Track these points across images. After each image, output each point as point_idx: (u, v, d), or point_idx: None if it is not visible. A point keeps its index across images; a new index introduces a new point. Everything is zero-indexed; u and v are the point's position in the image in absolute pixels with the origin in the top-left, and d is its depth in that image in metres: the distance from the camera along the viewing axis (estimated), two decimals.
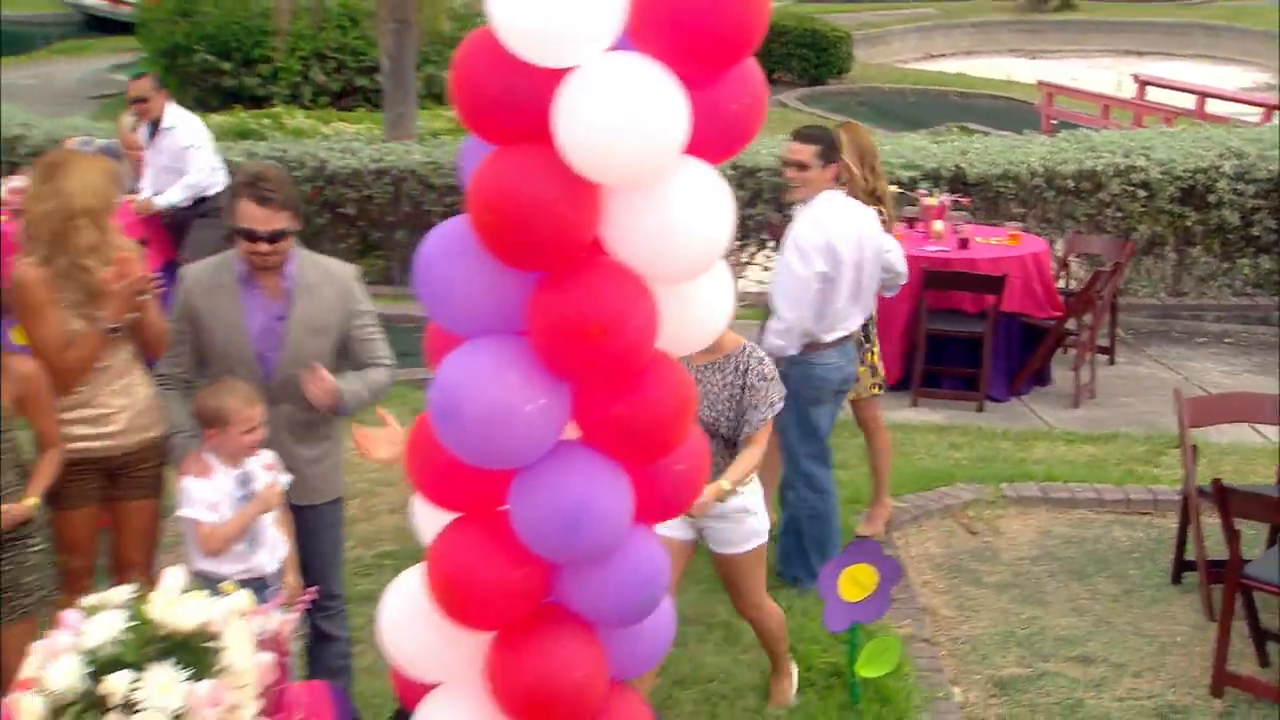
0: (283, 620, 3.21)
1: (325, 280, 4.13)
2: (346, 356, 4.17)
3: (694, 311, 2.58)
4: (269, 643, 3.13)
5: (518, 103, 2.28)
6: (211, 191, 8.11)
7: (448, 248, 2.47)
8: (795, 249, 5.19)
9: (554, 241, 2.33)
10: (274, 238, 4.00)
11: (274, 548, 4.02)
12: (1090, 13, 30.50)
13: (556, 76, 2.27)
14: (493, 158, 2.34)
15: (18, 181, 8.14)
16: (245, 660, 3.01)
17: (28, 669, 2.96)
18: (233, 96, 16.40)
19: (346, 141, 10.94)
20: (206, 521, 3.90)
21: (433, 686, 2.99)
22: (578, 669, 2.78)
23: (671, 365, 2.62)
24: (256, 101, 16.24)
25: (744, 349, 4.28)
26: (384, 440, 3.75)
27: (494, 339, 2.50)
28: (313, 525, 4.23)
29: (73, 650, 2.93)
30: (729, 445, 4.30)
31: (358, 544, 5.73)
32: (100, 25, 23.82)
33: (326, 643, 4.33)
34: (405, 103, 11.52)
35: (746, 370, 4.24)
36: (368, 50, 16.59)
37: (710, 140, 2.36)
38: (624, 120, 2.21)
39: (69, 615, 3.01)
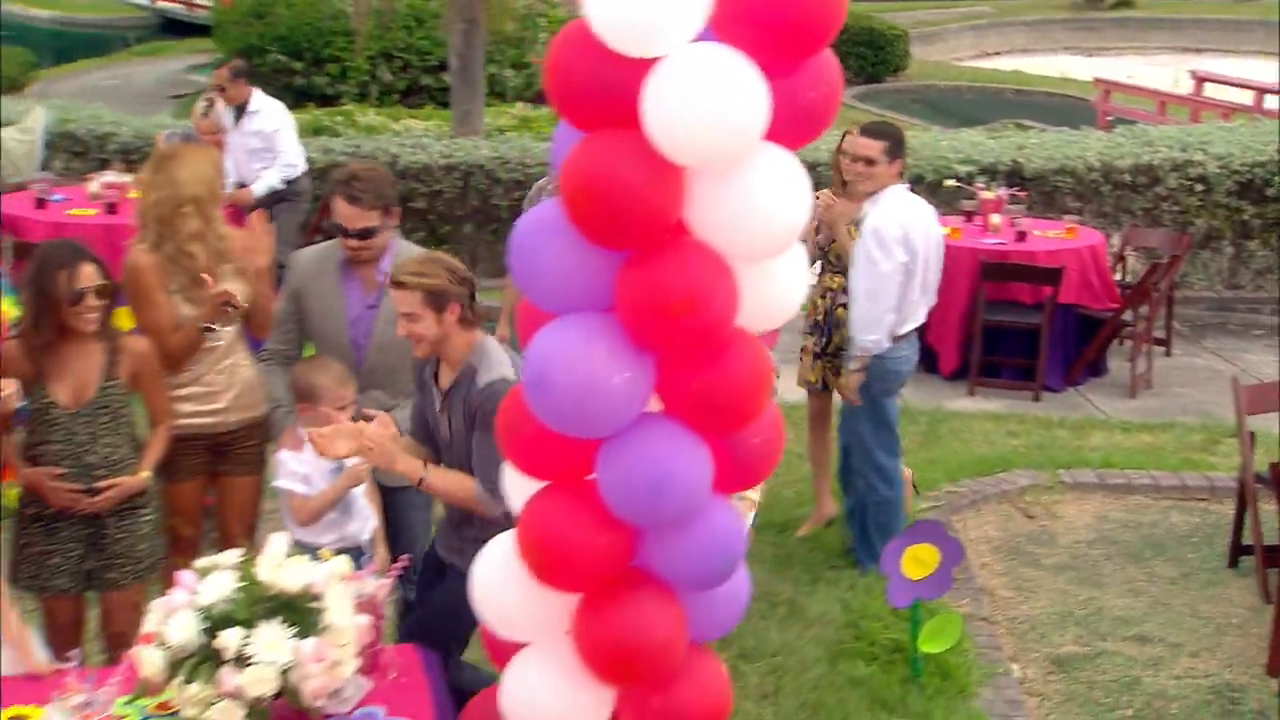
0: (377, 585, 3.37)
1: None
2: None
3: (772, 289, 2.69)
4: (365, 606, 3.28)
5: (608, 90, 2.40)
6: (292, 176, 8.32)
7: (540, 229, 2.60)
8: (876, 243, 5.20)
9: (641, 222, 2.44)
10: (362, 234, 4.17)
11: (365, 519, 4.18)
12: (1148, 10, 30.17)
13: (645, 66, 2.38)
14: (584, 143, 2.46)
15: (110, 176, 8.44)
16: (345, 620, 3.16)
17: (148, 625, 3.12)
18: (303, 95, 16.68)
19: (416, 137, 11.13)
20: (298, 493, 4.07)
21: (521, 645, 3.13)
22: (659, 629, 2.89)
23: (750, 341, 2.72)
24: (326, 100, 16.51)
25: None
26: (341, 435, 3.75)
27: (583, 315, 2.62)
28: (402, 506, 4.39)
29: (189, 608, 3.09)
30: None
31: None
32: (176, 28, 24.27)
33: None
34: (472, 100, 11.69)
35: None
36: (433, 50, 16.81)
37: (788, 127, 2.46)
38: (708, 107, 2.32)
39: (184, 576, 3.17)
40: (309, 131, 12.13)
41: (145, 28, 25.17)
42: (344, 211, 4.16)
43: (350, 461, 4.11)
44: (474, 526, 3.75)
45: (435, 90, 16.77)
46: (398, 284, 3.66)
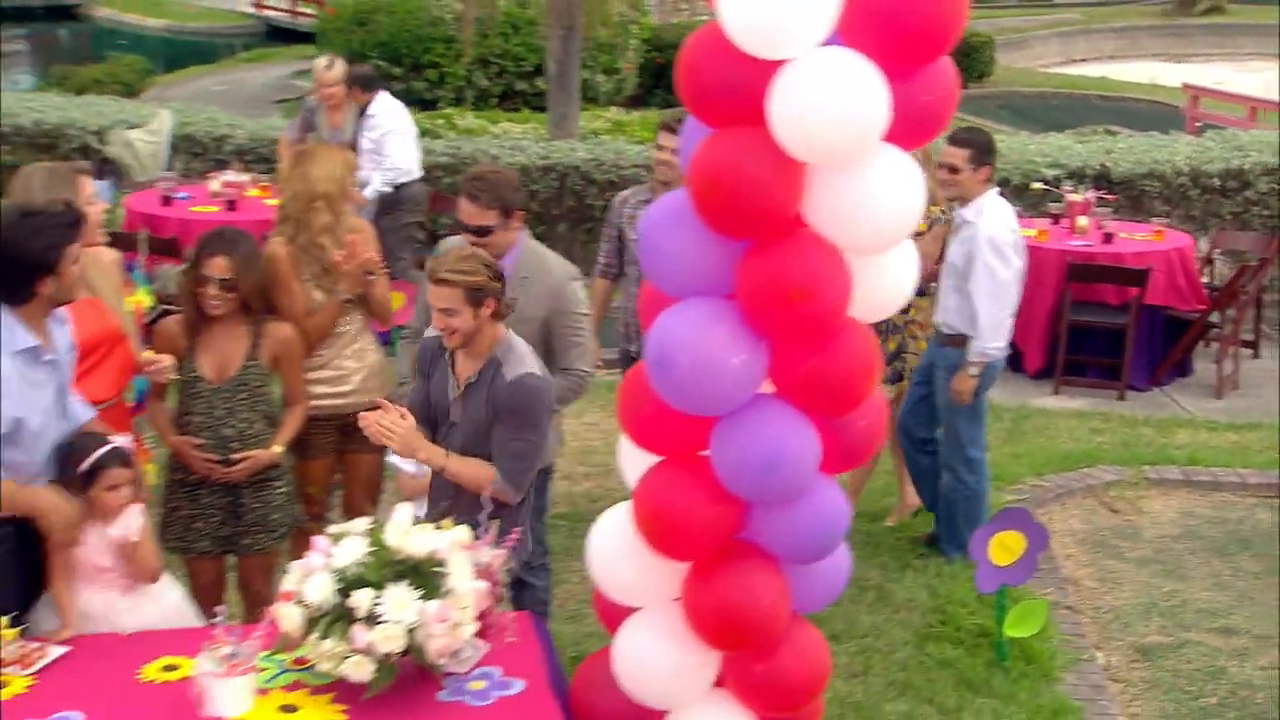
0: (493, 555, 3.55)
1: (539, 275, 4.39)
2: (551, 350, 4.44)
3: (883, 281, 2.82)
4: (483, 573, 3.46)
5: (737, 90, 2.56)
6: (403, 180, 8.52)
7: (667, 219, 2.76)
8: (993, 251, 5.26)
9: (763, 213, 2.60)
10: (480, 232, 4.33)
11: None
12: (1238, 16, 29.55)
13: (772, 67, 2.53)
14: (712, 138, 2.62)
15: (230, 175, 8.77)
16: (466, 585, 3.34)
17: (287, 584, 3.34)
18: (402, 100, 16.98)
19: (514, 140, 11.36)
20: (407, 471, 4.25)
21: (633, 610, 3.29)
22: (764, 598, 3.04)
23: (860, 330, 2.86)
24: (424, 105, 16.82)
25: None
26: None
27: (704, 300, 2.78)
28: None
29: (325, 570, 3.30)
30: None
31: None
32: (281, 35, 24.81)
33: (526, 590, 4.67)
34: (569, 104, 11.89)
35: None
36: (527, 56, 17.06)
37: (905, 128, 2.60)
38: (832, 107, 2.47)
39: (319, 541, 3.38)
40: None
41: (251, 35, 25.76)
42: (463, 208, 4.34)
43: None
44: (460, 513, 3.77)
45: (529, 95, 17.01)
46: (439, 281, 3.72)
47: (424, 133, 13.25)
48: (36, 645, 3.44)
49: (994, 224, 5.32)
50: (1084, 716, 4.55)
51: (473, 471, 3.84)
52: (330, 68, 8.40)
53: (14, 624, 3.41)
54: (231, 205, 8.40)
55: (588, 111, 14.79)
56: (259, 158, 10.26)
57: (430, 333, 3.91)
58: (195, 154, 10.53)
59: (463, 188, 4.35)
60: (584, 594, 5.09)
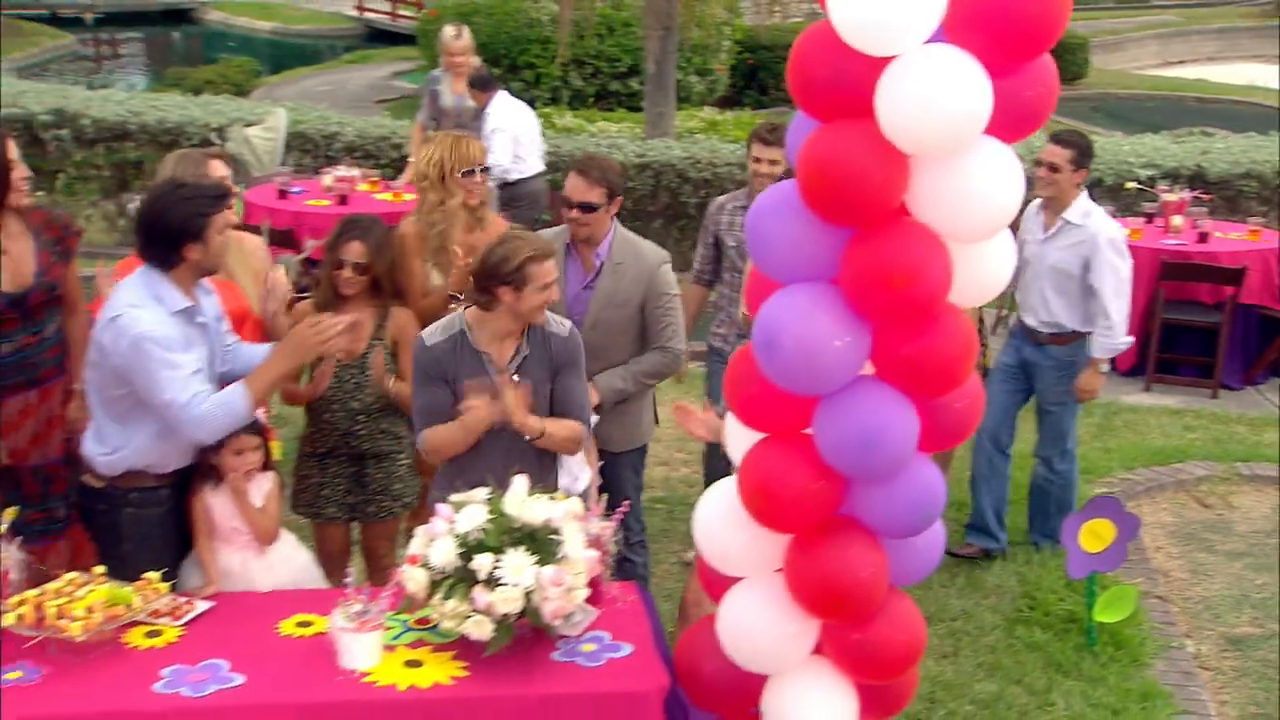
0: (602, 527, 3.73)
1: (633, 260, 4.63)
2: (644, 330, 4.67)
3: (982, 268, 2.95)
4: (594, 543, 3.65)
5: (845, 84, 2.72)
6: (512, 177, 8.72)
7: (775, 208, 2.93)
8: (1115, 251, 5.44)
9: (869, 202, 2.75)
10: (584, 208, 4.54)
11: (575, 476, 4.51)
12: None
13: (880, 63, 2.68)
14: (820, 131, 2.78)
15: (342, 170, 9.08)
16: (578, 553, 3.53)
17: (413, 548, 3.55)
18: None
19: (611, 138, 11.58)
20: None
21: (735, 580, 3.44)
22: (864, 570, 3.18)
23: (959, 315, 2.99)
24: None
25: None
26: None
27: (809, 285, 2.93)
28: (615, 470, 4.77)
29: (448, 535, 3.51)
30: None
31: None
32: (381, 37, 25.37)
33: (626, 565, 4.86)
34: (665, 103, 12.08)
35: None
36: (621, 57, 17.27)
37: (1006, 122, 2.74)
38: (938, 102, 2.61)
39: (442, 508, 3.59)
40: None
41: (353, 37, 26.34)
42: (572, 184, 4.56)
43: None
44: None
45: (622, 95, 17.22)
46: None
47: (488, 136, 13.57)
48: (185, 600, 3.71)
49: (1108, 225, 5.51)
50: (1174, 701, 4.61)
51: (566, 431, 4.05)
52: (459, 36, 8.84)
53: (165, 580, 3.68)
54: (343, 199, 8.68)
55: (682, 111, 14.94)
56: (366, 154, 10.59)
57: (433, 339, 3.98)
58: (306, 150, 10.90)
59: (575, 167, 4.58)
60: (680, 574, 5.26)
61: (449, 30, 9.00)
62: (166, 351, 3.69)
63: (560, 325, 4.06)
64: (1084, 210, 5.47)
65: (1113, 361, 7.96)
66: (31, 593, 3.50)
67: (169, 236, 3.76)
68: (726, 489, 3.36)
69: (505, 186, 8.67)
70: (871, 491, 3.15)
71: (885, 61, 2.68)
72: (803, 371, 2.94)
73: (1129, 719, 4.49)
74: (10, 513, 3.62)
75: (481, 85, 8.85)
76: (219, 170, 4.48)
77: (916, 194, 2.80)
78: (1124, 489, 6.30)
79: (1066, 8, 2.68)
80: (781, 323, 2.93)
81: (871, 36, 2.65)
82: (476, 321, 4.00)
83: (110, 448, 3.86)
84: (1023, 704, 4.58)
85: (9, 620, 3.41)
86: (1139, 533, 5.03)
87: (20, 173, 4.13)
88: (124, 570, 3.67)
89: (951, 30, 2.69)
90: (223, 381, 3.93)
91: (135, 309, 3.72)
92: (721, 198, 5.66)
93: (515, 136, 8.83)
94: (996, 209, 2.80)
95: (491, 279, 3.91)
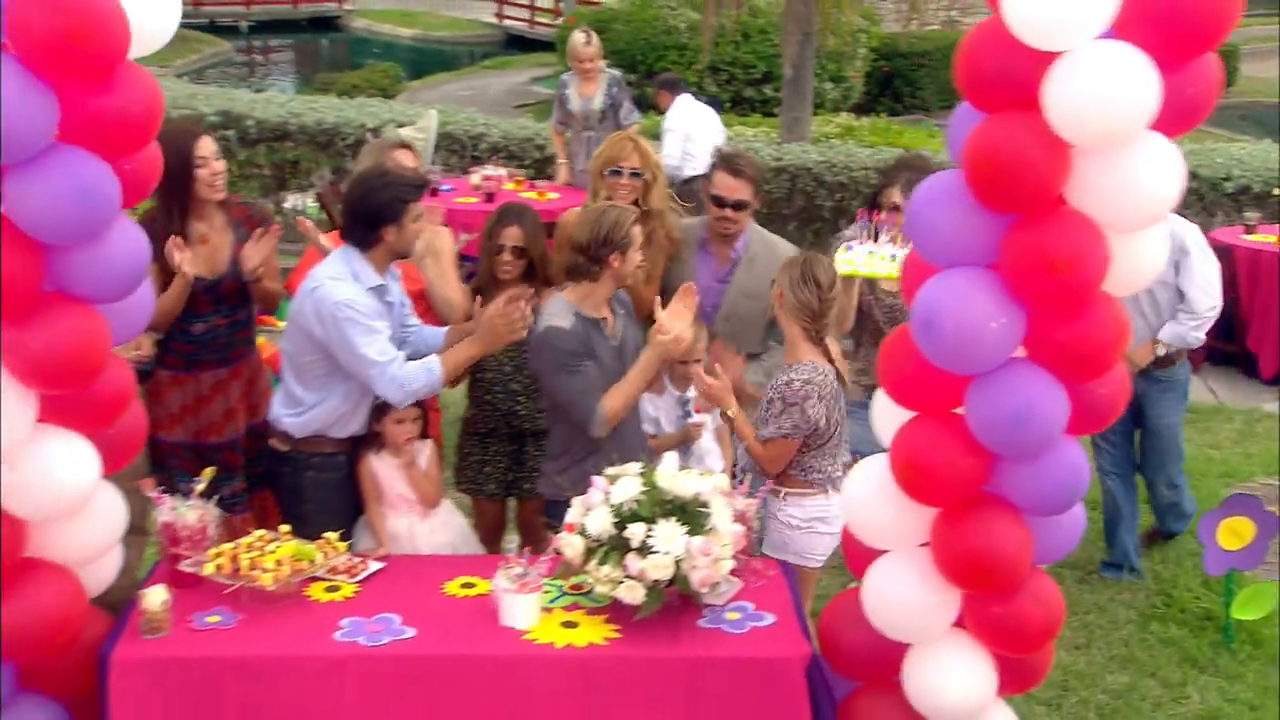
0: (748, 503, 3.90)
1: (767, 255, 4.76)
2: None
3: (1135, 259, 3.05)
4: (739, 518, 3.81)
5: (1013, 78, 2.85)
6: (684, 174, 9.03)
7: (937, 196, 3.07)
8: (1201, 248, 5.40)
9: (1032, 190, 2.87)
10: (736, 206, 4.70)
11: (704, 459, 4.63)
12: None
13: (1049, 58, 2.81)
14: (988, 122, 2.91)
15: (490, 170, 9.40)
16: (725, 526, 3.69)
17: (570, 518, 3.76)
18: (636, 105, 17.59)
19: (747, 142, 11.71)
20: (646, 433, 4.62)
21: (879, 554, 3.56)
22: (1010, 545, 3.28)
23: (1111, 303, 3.09)
24: (657, 110, 17.34)
25: None
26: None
27: (968, 269, 3.06)
28: None
29: (604, 505, 3.71)
30: None
31: None
32: (519, 43, 25.95)
33: None
34: (802, 108, 12.19)
35: None
36: (756, 64, 17.41)
37: (1169, 117, 2.83)
38: (1108, 96, 2.74)
39: (598, 481, 3.79)
40: (651, 135, 12.94)
41: (491, 44, 26.97)
42: (725, 182, 4.69)
43: (696, 419, 4.65)
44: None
45: (757, 101, 17.36)
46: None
47: (658, 135, 13.80)
48: (359, 559, 3.99)
49: (1189, 227, 5.41)
50: None
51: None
52: (588, 42, 9.06)
53: (342, 540, 3.97)
54: (490, 197, 8.97)
55: (818, 116, 15.02)
56: (510, 155, 10.92)
57: (563, 323, 4.07)
58: (453, 151, 11.27)
59: (722, 164, 4.70)
60: None
61: (578, 36, 9.23)
62: (364, 318, 3.99)
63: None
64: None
65: (1254, 369, 7.87)
66: (227, 546, 3.81)
67: (369, 218, 4.07)
68: (876, 466, 3.50)
69: (682, 183, 8.94)
70: (1019, 469, 3.24)
71: (1053, 56, 2.81)
72: (960, 351, 3.07)
73: (1268, 715, 4.48)
74: (209, 472, 3.93)
75: (668, 87, 9.40)
76: (407, 160, 4.77)
77: (1077, 184, 2.91)
78: (1264, 494, 6.20)
79: (1237, 7, 2.76)
80: (941, 304, 3.06)
81: (1045, 32, 2.78)
82: (578, 297, 4.17)
83: (298, 411, 4.17)
84: (1156, 696, 4.61)
85: (209, 570, 3.72)
86: (1279, 532, 5.00)
87: (212, 169, 4.42)
88: (303, 529, 3.97)
89: (1122, 26, 2.81)
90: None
91: (334, 281, 4.04)
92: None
93: (687, 135, 9.22)
94: (1157, 200, 2.91)
95: (605, 247, 4.10)
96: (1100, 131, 2.79)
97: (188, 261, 4.32)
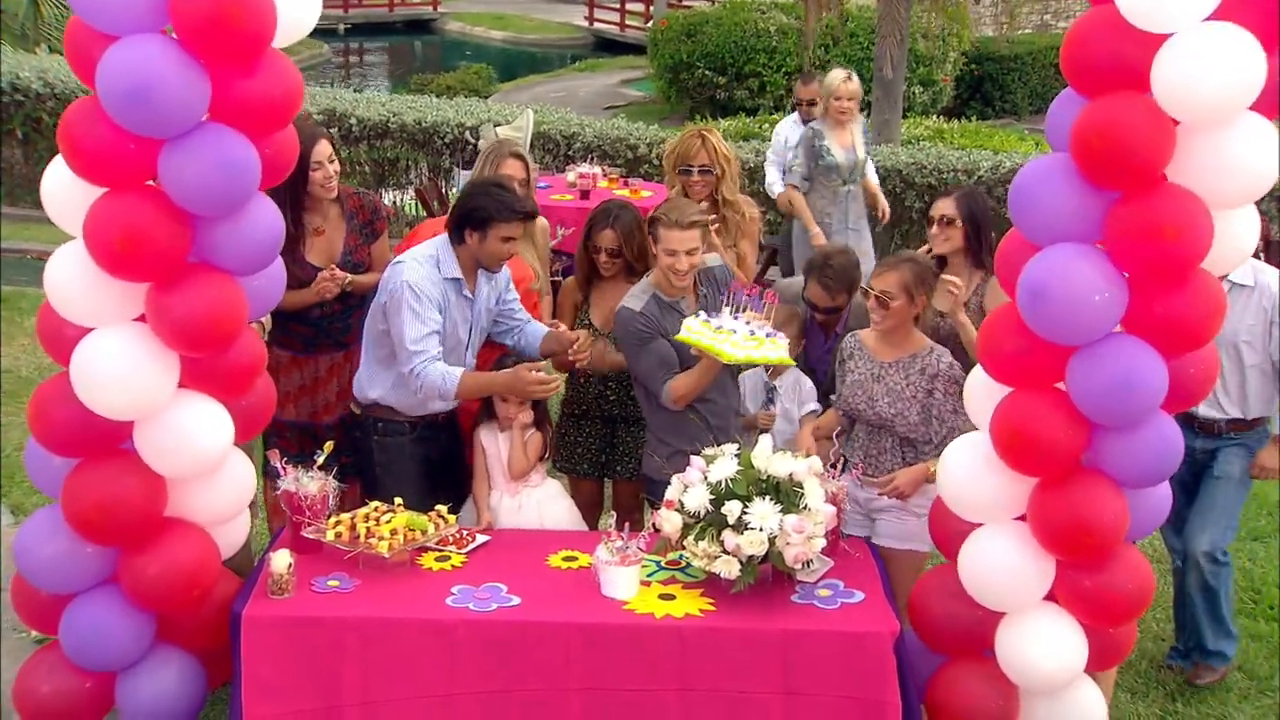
0: (839, 485, 4.02)
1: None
2: None
3: (1231, 235, 3.14)
4: (831, 499, 3.93)
5: (1121, 61, 2.97)
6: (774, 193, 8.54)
7: (1040, 177, 3.20)
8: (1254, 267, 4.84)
9: (1139, 166, 3.00)
10: (829, 312, 4.86)
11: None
12: None
13: (1156, 40, 2.92)
14: (1096, 104, 3.04)
15: (584, 168, 9.60)
16: (818, 505, 3.80)
17: (669, 494, 3.90)
18: (723, 108, 17.74)
19: None
20: None
21: (969, 530, 3.66)
22: (1108, 514, 3.38)
23: (1208, 280, 3.18)
24: (747, 112, 17.45)
25: (930, 350, 4.20)
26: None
27: (1072, 245, 3.17)
28: None
29: (701, 484, 3.85)
30: (905, 444, 4.20)
31: None
32: (610, 46, 26.17)
33: None
34: (892, 110, 12.22)
35: (936, 374, 4.14)
36: (846, 68, 17.39)
37: (1267, 98, 2.94)
38: (1216, 76, 2.86)
39: (695, 460, 3.95)
40: (738, 137, 13.08)
41: (581, 46, 27.22)
42: (816, 293, 4.80)
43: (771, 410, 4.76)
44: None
45: None
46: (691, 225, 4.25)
47: (749, 135, 13.92)
48: (467, 532, 4.19)
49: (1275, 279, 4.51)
50: None
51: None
52: (850, 79, 7.76)
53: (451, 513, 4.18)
54: (585, 195, 9.10)
55: (908, 119, 15.00)
56: (604, 154, 11.13)
57: (639, 305, 4.32)
58: (548, 149, 11.50)
59: (812, 275, 4.77)
60: None
61: (839, 73, 7.81)
62: (418, 302, 4.18)
63: (712, 259, 4.53)
64: (1248, 269, 4.38)
65: None
66: (345, 515, 4.04)
67: (460, 218, 4.31)
68: (972, 443, 3.60)
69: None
70: (1117, 441, 3.34)
71: (1161, 39, 2.92)
72: (1066, 321, 3.18)
73: None
74: (329, 446, 4.16)
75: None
76: (513, 169, 4.95)
77: (1180, 160, 3.02)
78: None
79: None
80: (1049, 276, 3.17)
81: (1157, 15, 2.89)
82: (656, 279, 4.40)
83: (365, 376, 4.41)
84: (1243, 687, 4.62)
85: (329, 536, 3.95)
86: None
87: (326, 172, 4.64)
88: (374, 491, 4.19)
89: (1228, 8, 2.90)
90: (521, 355, 4.46)
91: (415, 261, 4.27)
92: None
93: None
94: (1257, 177, 3.01)
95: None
96: (1208, 109, 2.90)
97: (331, 292, 4.62)
